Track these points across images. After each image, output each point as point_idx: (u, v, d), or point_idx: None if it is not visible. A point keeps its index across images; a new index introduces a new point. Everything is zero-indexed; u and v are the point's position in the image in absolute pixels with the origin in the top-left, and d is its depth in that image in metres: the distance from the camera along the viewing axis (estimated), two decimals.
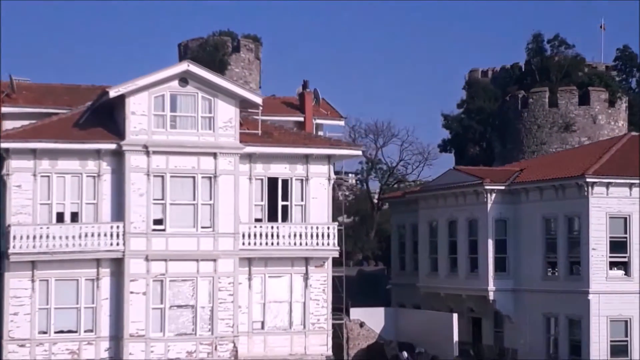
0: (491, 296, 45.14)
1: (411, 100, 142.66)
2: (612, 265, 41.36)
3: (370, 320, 51.75)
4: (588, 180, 40.58)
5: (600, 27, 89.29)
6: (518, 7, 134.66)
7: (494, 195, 45.26)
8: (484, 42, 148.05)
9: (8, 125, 39.63)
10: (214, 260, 38.55)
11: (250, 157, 39.97)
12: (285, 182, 40.70)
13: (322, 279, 41.01)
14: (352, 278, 68.64)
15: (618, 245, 41.27)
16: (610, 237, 41.05)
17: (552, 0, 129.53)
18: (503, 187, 45.14)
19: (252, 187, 40.14)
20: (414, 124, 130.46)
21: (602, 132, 74.06)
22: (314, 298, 40.70)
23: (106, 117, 39.33)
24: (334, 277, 43.08)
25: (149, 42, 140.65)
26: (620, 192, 41.28)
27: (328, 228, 40.53)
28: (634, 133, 52.81)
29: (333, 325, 45.48)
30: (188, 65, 38.16)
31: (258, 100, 39.67)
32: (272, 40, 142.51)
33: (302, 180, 40.83)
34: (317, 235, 40.39)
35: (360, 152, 42.24)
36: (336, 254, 40.89)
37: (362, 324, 51.62)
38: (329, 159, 41.21)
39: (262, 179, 40.44)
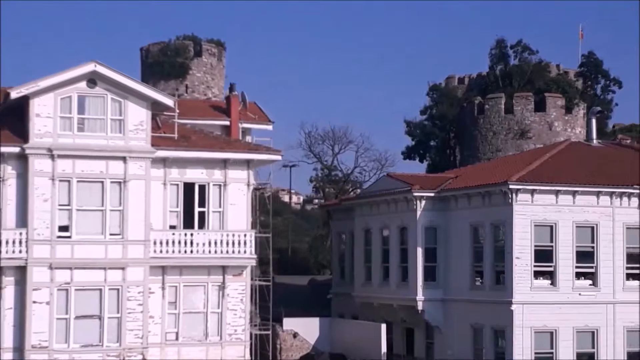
0: (420, 306, 43.86)
1: (375, 107, 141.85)
2: (538, 274, 40.12)
3: (305, 330, 50.54)
4: (511, 187, 39.37)
5: (579, 34, 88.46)
6: (491, 11, 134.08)
7: (423, 202, 44.02)
8: (451, 49, 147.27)
9: None
10: (123, 268, 37.25)
11: (164, 162, 38.70)
12: (202, 188, 39.45)
13: (240, 288, 39.75)
14: (304, 287, 67.75)
15: (544, 255, 40.02)
16: (536, 246, 39.79)
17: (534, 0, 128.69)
18: (432, 194, 43.91)
19: (166, 192, 38.85)
20: (376, 131, 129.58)
21: (558, 139, 73.00)
22: (232, 308, 39.43)
23: (15, 120, 38.00)
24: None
25: (111, 46, 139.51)
26: (546, 200, 40.05)
27: (246, 236, 39.28)
28: (574, 139, 51.86)
29: (259, 336, 44.48)
30: (95, 66, 36.87)
31: (170, 102, 38.41)
32: (238, 45, 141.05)
33: (220, 185, 39.58)
34: (235, 243, 39.18)
35: (279, 158, 40.89)
36: (253, 263, 39.64)
37: (295, 335, 50.38)
38: (248, 164, 39.96)
39: (177, 184, 39.17)
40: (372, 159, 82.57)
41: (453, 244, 43.58)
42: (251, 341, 42.12)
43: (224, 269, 39.21)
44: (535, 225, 39.80)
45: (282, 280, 70.75)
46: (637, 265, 41.47)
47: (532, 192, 39.80)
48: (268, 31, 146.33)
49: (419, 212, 43.91)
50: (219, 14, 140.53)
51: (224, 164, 39.47)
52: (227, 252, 38.95)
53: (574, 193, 40.27)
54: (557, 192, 40.07)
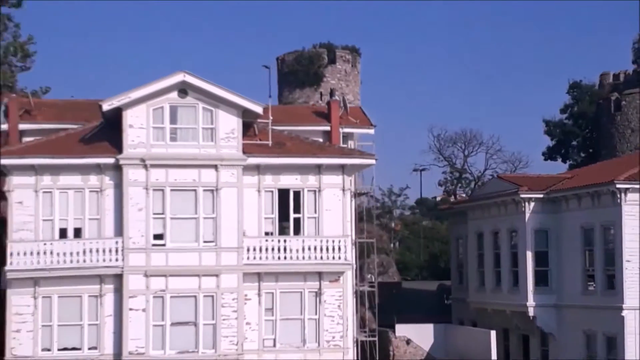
0: (531, 312, 42.13)
1: (508, 107, 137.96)
2: None
3: (419, 337, 49.51)
4: (618, 186, 37.16)
5: None
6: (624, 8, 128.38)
7: (532, 204, 42.23)
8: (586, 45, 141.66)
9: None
10: (217, 275, 37.38)
11: (258, 169, 38.62)
12: (297, 194, 39.12)
13: (337, 294, 39.12)
14: (432, 293, 66.51)
15: None
16: None
17: None
18: (541, 196, 42.04)
19: (261, 199, 38.75)
20: (510, 133, 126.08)
21: None
22: (329, 314, 38.85)
23: (113, 132, 38.83)
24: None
25: (247, 56, 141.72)
26: None
27: (341, 241, 38.66)
28: None
29: (363, 342, 43.80)
30: (184, 76, 37.19)
31: (259, 110, 38.28)
32: (374, 51, 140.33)
33: (314, 191, 39.14)
34: (330, 249, 38.62)
35: (373, 162, 40.04)
36: (348, 269, 38.94)
37: (408, 341, 49.44)
38: (342, 169, 39.36)
39: (272, 191, 38.99)
40: (503, 160, 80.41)
41: (564, 247, 41.66)
42: (357, 348, 41.52)
43: (319, 275, 38.73)
44: None
45: (412, 285, 69.84)
46: None
47: None
48: (400, 35, 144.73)
49: (527, 215, 42.20)
50: (354, 21, 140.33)
51: (318, 169, 39.03)
52: (322, 257, 38.41)
53: None
54: None
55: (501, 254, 44.86)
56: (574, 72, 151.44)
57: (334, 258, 38.62)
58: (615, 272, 38.03)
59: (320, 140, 43.43)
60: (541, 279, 42.45)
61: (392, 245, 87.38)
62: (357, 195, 45.61)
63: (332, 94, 45.12)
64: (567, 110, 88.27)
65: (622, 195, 37.41)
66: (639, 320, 36.99)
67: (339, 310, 39.04)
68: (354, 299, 43.75)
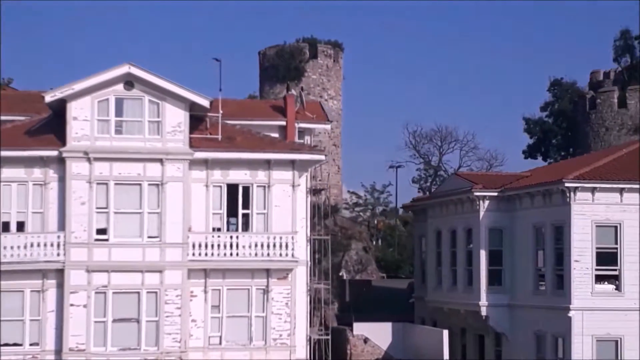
0: (484, 312, 41.62)
1: (487, 105, 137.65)
2: (601, 279, 37.20)
3: (377, 336, 49.06)
4: (567, 185, 36.66)
5: None
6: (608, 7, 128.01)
7: (486, 202, 41.73)
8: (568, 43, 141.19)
9: None
10: (160, 271, 36.83)
11: (206, 163, 38.09)
12: (246, 189, 38.59)
13: (285, 291, 38.62)
14: (403, 291, 66.01)
15: (607, 257, 37.09)
16: (598, 248, 36.93)
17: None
18: (496, 194, 41.54)
19: (209, 194, 38.23)
20: (489, 131, 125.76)
21: None
22: (276, 312, 38.35)
23: (60, 124, 38.23)
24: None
25: (231, 49, 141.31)
26: (610, 199, 37.12)
27: (289, 238, 38.17)
28: None
29: (327, 341, 43.45)
30: (129, 68, 36.60)
31: (206, 103, 37.71)
32: (358, 46, 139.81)
33: (264, 187, 38.62)
34: (279, 246, 38.12)
35: (322, 158, 39.53)
36: (297, 266, 38.43)
37: (366, 340, 49.00)
38: (293, 164, 38.85)
39: (220, 186, 38.46)
40: (478, 157, 79.93)
41: (518, 246, 41.18)
42: (310, 346, 41.10)
43: (267, 272, 38.21)
44: (596, 226, 36.98)
45: (390, 283, 69.38)
46: None
47: (593, 190, 36.93)
48: (383, 31, 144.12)
49: (482, 213, 41.70)
50: (339, 16, 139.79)
51: (268, 164, 38.48)
52: (270, 254, 37.92)
53: None
54: (621, 190, 37.04)
55: (457, 253, 44.39)
56: (557, 70, 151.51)
57: (281, 255, 38.13)
58: (563, 272, 37.52)
59: (277, 135, 42.95)
60: (495, 279, 41.96)
61: (373, 242, 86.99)
62: (313, 191, 45.19)
63: (288, 88, 44.46)
64: (548, 108, 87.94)
65: (572, 194, 36.90)
66: (586, 322, 36.41)
67: (287, 308, 38.52)
68: (308, 297, 43.36)
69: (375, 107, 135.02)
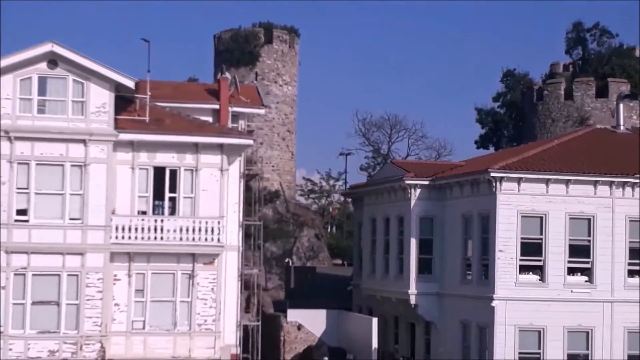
0: (413, 300, 41.47)
1: (448, 95, 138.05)
2: (525, 269, 37.15)
3: (312, 323, 48.90)
4: (493, 175, 36.52)
5: None
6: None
7: (418, 191, 41.55)
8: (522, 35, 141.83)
9: None
10: (82, 254, 36.26)
11: (132, 145, 37.54)
12: (173, 173, 38.10)
13: (211, 277, 38.22)
14: (347, 278, 65.87)
15: (532, 248, 37.04)
16: (523, 238, 36.84)
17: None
18: (427, 183, 41.37)
19: (135, 177, 37.68)
20: (442, 120, 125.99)
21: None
22: (202, 297, 37.93)
23: None
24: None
25: (185, 34, 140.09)
26: (535, 189, 37.04)
27: (215, 223, 37.75)
28: (599, 126, 48.25)
29: (259, 327, 43.16)
30: (52, 46, 35.85)
31: (131, 84, 37.11)
32: (315, 32, 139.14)
33: (192, 170, 38.15)
34: (204, 230, 37.69)
35: (251, 142, 39.12)
36: (221, 251, 38.03)
37: (299, 327, 48.79)
38: (221, 148, 38.40)
39: (147, 169, 37.92)
40: (427, 146, 79.90)
41: (448, 235, 41.05)
42: (240, 332, 40.78)
43: (193, 257, 37.78)
44: (522, 216, 36.87)
45: (329, 271, 69.08)
46: None
47: (519, 180, 36.83)
48: (340, 17, 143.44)
49: (413, 201, 41.49)
50: (298, 1, 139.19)
51: (196, 148, 38.00)
52: (196, 239, 37.49)
53: (567, 182, 37.12)
54: (547, 181, 36.98)
55: (390, 241, 44.22)
56: (513, 61, 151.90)
57: (207, 240, 37.72)
58: (488, 261, 37.44)
59: (210, 119, 42.50)
60: (425, 267, 41.81)
61: (327, 229, 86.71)
62: (247, 177, 44.78)
63: (222, 71, 43.94)
64: (500, 99, 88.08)
65: (498, 184, 36.77)
66: (509, 312, 36.37)
67: (213, 294, 38.12)
68: (239, 283, 43.02)
69: (331, 93, 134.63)
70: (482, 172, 37.11)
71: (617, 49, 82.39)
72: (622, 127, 46.02)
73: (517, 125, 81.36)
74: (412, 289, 41.39)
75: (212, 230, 37.65)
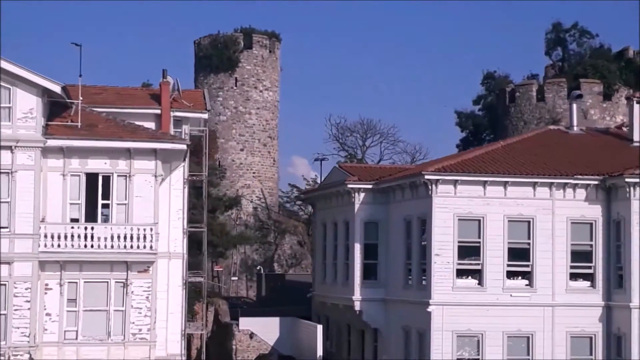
0: (357, 306, 40.64)
1: (431, 99, 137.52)
2: (463, 273, 36.30)
3: (265, 331, 48.13)
4: (427, 177, 35.71)
5: None
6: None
7: (362, 195, 40.74)
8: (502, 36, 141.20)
9: None
10: (9, 263, 35.53)
11: (63, 151, 36.85)
12: (106, 179, 37.39)
13: (145, 285, 37.46)
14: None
15: (470, 251, 36.20)
16: (460, 242, 35.99)
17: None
18: (370, 186, 40.56)
19: (66, 184, 36.98)
20: (421, 124, 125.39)
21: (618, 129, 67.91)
22: (136, 306, 37.16)
23: None
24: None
25: (165, 40, 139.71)
26: (473, 192, 36.22)
27: (147, 229, 37.00)
28: (552, 126, 47.42)
29: (206, 336, 42.48)
30: None
31: (57, 89, 36.38)
32: (298, 37, 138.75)
33: (125, 176, 37.43)
34: (137, 238, 36.94)
35: (184, 147, 38.34)
36: (154, 258, 37.27)
37: (252, 335, 48.05)
38: (155, 153, 37.67)
39: (79, 175, 37.25)
40: (402, 150, 79.20)
41: (392, 240, 40.22)
42: (184, 341, 40.05)
43: (127, 265, 37.04)
44: (459, 219, 36.02)
45: (296, 278, 68.41)
46: (586, 264, 37.04)
47: (455, 183, 35.99)
48: (323, 22, 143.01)
49: (357, 206, 40.68)
50: (277, 7, 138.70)
51: (129, 153, 37.30)
52: (128, 247, 36.74)
53: (504, 184, 36.25)
54: (484, 183, 36.14)
55: (337, 246, 43.43)
56: (495, 64, 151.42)
57: (140, 247, 36.99)
58: (425, 266, 36.62)
59: (153, 124, 41.84)
60: (372, 273, 41.02)
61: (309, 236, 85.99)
62: (188, 182, 44.01)
63: (164, 75, 43.18)
64: (480, 102, 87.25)
65: (433, 186, 35.94)
66: (446, 317, 35.51)
67: (148, 302, 37.38)
68: (184, 291, 42.28)
69: (313, 98, 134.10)
70: (417, 174, 36.28)
71: (597, 50, 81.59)
72: (575, 128, 45.14)
73: (495, 128, 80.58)
74: (357, 295, 40.59)
75: (145, 238, 36.90)
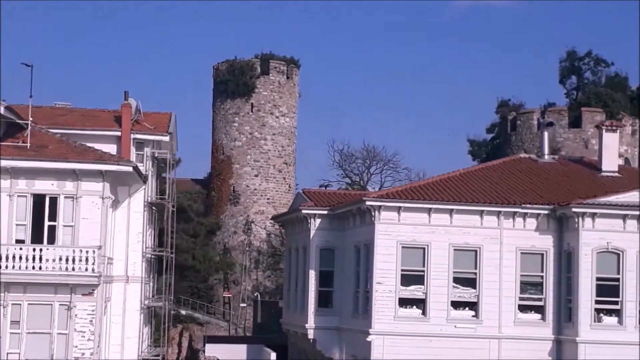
0: (311, 335, 39.85)
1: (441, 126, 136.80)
2: (407, 303, 35.36)
3: (232, 357, 47.54)
4: (369, 203, 34.93)
5: None
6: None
7: (318, 221, 40.07)
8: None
9: None
10: None
11: (10, 172, 36.82)
12: (53, 200, 37.26)
13: (89, 308, 37.11)
14: None
15: (414, 280, 35.28)
16: (403, 270, 35.11)
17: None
18: (325, 212, 39.88)
19: (13, 204, 36.95)
20: (431, 151, 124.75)
21: (595, 158, 66.48)
22: (80, 330, 36.81)
23: None
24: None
25: (185, 63, 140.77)
26: (417, 219, 35.34)
27: (90, 252, 36.69)
28: (523, 155, 46.35)
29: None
30: None
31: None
32: (317, 63, 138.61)
33: (72, 198, 37.27)
34: (82, 260, 36.66)
35: (130, 169, 38.02)
36: (97, 282, 36.91)
37: None
38: (103, 175, 37.46)
39: (26, 196, 37.17)
40: (405, 177, 78.35)
41: (346, 267, 39.44)
42: None
43: (71, 288, 36.75)
44: (402, 247, 35.15)
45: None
46: (536, 296, 35.89)
47: (399, 209, 35.16)
48: (340, 49, 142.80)
49: (312, 232, 40.01)
50: (295, 33, 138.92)
51: (76, 175, 37.14)
52: (71, 269, 36.45)
53: (450, 212, 35.33)
54: (429, 210, 35.24)
55: (297, 273, 42.77)
56: (507, 91, 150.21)
57: (84, 270, 36.68)
58: (368, 294, 35.78)
59: (114, 146, 41.83)
60: (328, 301, 40.24)
61: None
62: (151, 205, 43.78)
63: (125, 97, 43.10)
64: (494, 130, 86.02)
65: (376, 213, 35.17)
66: (387, 347, 34.56)
67: (92, 326, 37.03)
68: (141, 315, 41.98)
69: (329, 124, 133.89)
70: (361, 201, 35.55)
71: (612, 78, 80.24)
72: (546, 156, 44.07)
73: (497, 156, 79.38)
74: (310, 323, 39.81)
75: (87, 260, 36.62)
